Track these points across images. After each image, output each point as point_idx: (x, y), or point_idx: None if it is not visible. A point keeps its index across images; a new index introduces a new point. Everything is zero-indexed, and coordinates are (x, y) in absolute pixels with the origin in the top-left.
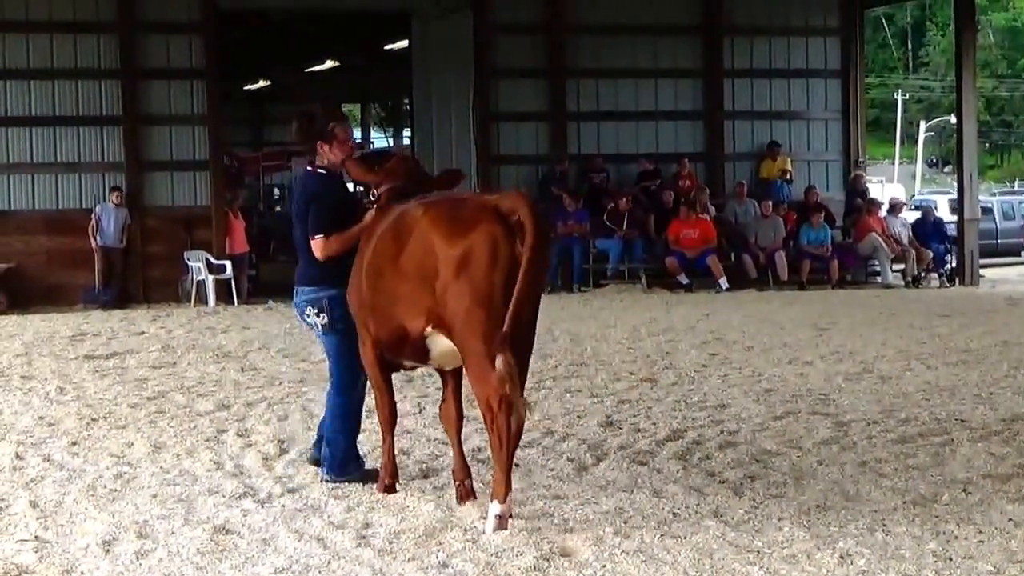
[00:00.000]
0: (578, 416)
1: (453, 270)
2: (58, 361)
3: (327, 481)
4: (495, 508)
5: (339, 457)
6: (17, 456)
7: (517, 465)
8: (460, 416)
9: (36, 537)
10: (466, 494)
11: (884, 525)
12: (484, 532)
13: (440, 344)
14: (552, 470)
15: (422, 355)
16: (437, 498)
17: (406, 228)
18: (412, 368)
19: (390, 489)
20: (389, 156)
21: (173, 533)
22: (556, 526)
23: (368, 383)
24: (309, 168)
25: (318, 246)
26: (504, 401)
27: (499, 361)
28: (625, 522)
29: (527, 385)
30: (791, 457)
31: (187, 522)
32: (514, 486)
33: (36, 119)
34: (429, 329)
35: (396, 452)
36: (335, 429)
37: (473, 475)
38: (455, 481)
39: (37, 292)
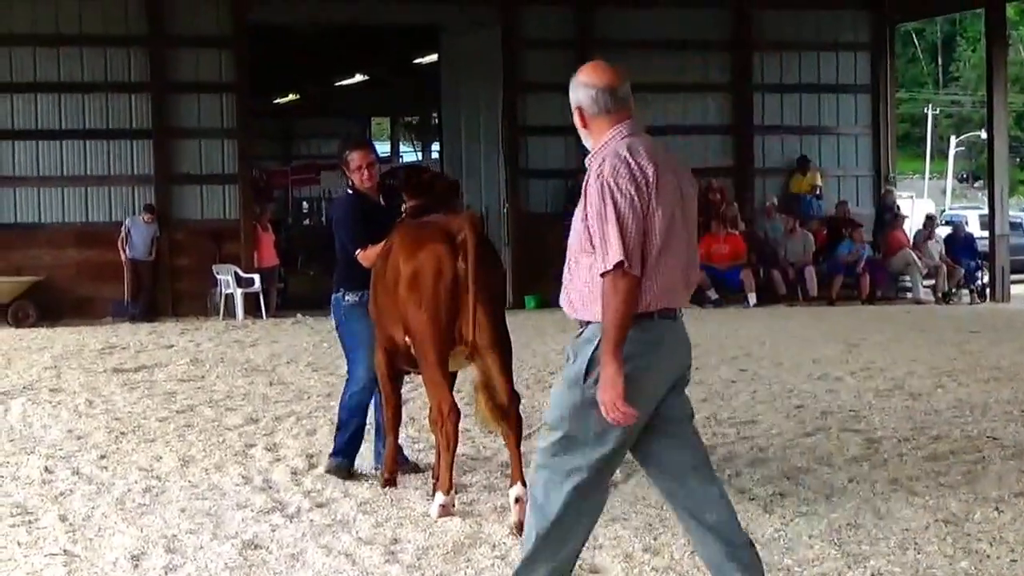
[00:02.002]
0: None
1: (406, 286)
2: (87, 374)
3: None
4: (439, 498)
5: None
6: (46, 469)
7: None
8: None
9: (65, 551)
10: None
11: (916, 543)
12: (429, 515)
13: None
14: None
15: (413, 363)
16: (465, 514)
17: (389, 247)
18: (419, 374)
19: (390, 483)
20: (421, 172)
21: (202, 548)
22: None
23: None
24: (347, 189)
25: (360, 259)
26: (453, 408)
27: (475, 368)
28: (655, 539)
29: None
30: (821, 474)
31: (215, 537)
32: None
33: (66, 132)
34: (408, 340)
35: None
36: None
37: (503, 492)
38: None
39: (66, 305)
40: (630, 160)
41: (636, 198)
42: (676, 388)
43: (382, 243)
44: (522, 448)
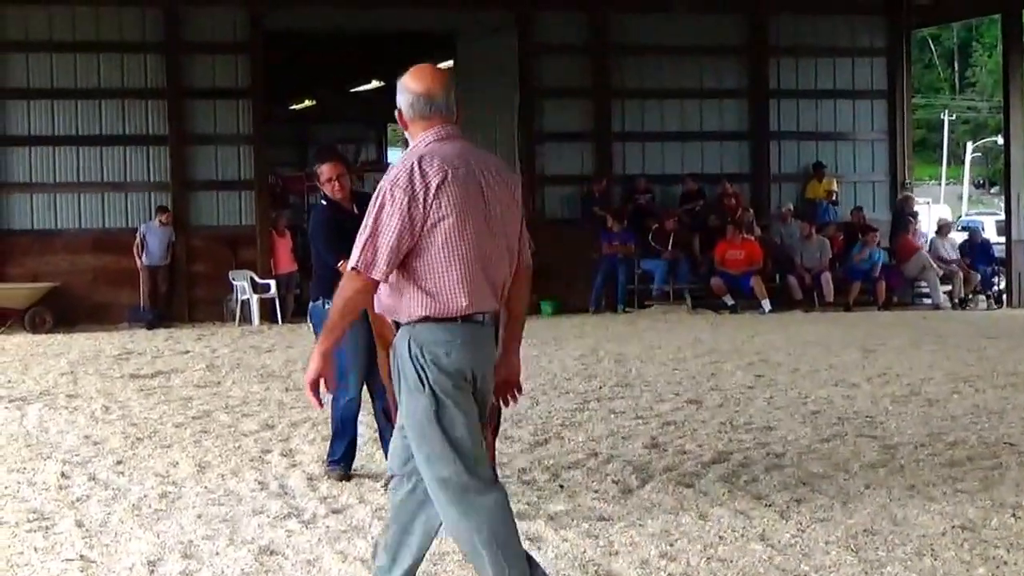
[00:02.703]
0: (623, 437)
1: None
2: (103, 380)
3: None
4: None
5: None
6: (63, 475)
7: (561, 487)
8: None
9: (81, 556)
10: None
11: (932, 550)
12: None
13: None
14: (597, 492)
15: None
16: None
17: None
18: None
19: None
20: None
21: (218, 554)
22: (602, 548)
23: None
24: (320, 199)
25: (342, 268)
26: None
27: None
28: (671, 545)
29: (572, 407)
30: (838, 480)
31: (232, 542)
32: (560, 507)
33: (82, 138)
34: None
35: None
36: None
37: (519, 497)
38: None
39: (83, 311)
40: (416, 169)
41: (407, 209)
42: (479, 398)
43: None
44: (536, 454)
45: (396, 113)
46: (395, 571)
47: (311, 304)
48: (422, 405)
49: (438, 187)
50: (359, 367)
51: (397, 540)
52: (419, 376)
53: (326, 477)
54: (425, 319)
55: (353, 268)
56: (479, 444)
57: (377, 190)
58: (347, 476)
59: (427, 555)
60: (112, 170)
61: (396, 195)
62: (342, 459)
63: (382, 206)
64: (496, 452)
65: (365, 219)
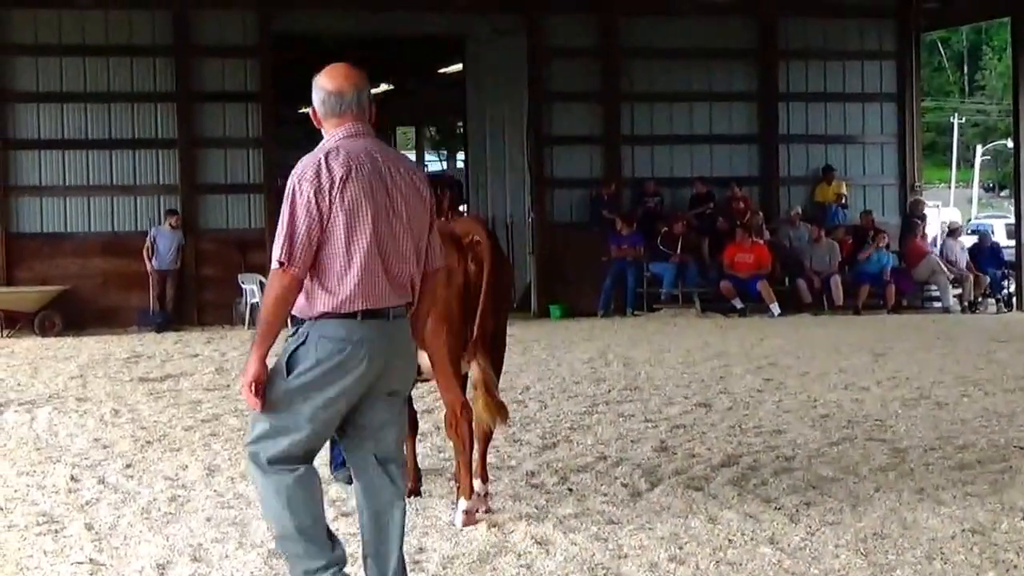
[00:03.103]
0: (632, 441)
1: None
2: (113, 383)
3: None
4: (462, 504)
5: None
6: (72, 478)
7: (570, 490)
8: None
9: (91, 560)
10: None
11: (942, 553)
12: (454, 524)
13: (425, 361)
14: (606, 495)
15: (416, 371)
16: (490, 523)
17: None
18: (424, 380)
19: (413, 492)
20: (439, 181)
21: (227, 557)
22: (611, 551)
23: None
24: None
25: None
26: (466, 408)
27: (473, 366)
28: (680, 548)
29: (581, 410)
30: (847, 484)
31: (241, 546)
32: (568, 511)
33: (92, 142)
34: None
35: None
36: None
37: (528, 501)
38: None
39: (92, 314)
40: (322, 164)
41: (314, 201)
42: (377, 393)
43: None
44: (545, 457)
45: (310, 111)
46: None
47: None
48: (282, 392)
49: (342, 181)
50: None
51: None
52: (293, 366)
53: (334, 480)
54: (325, 315)
55: (276, 265)
56: (320, 440)
57: (287, 186)
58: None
59: (437, 559)
60: (121, 173)
61: (303, 188)
62: (345, 462)
63: (292, 201)
64: (487, 452)
65: (280, 216)
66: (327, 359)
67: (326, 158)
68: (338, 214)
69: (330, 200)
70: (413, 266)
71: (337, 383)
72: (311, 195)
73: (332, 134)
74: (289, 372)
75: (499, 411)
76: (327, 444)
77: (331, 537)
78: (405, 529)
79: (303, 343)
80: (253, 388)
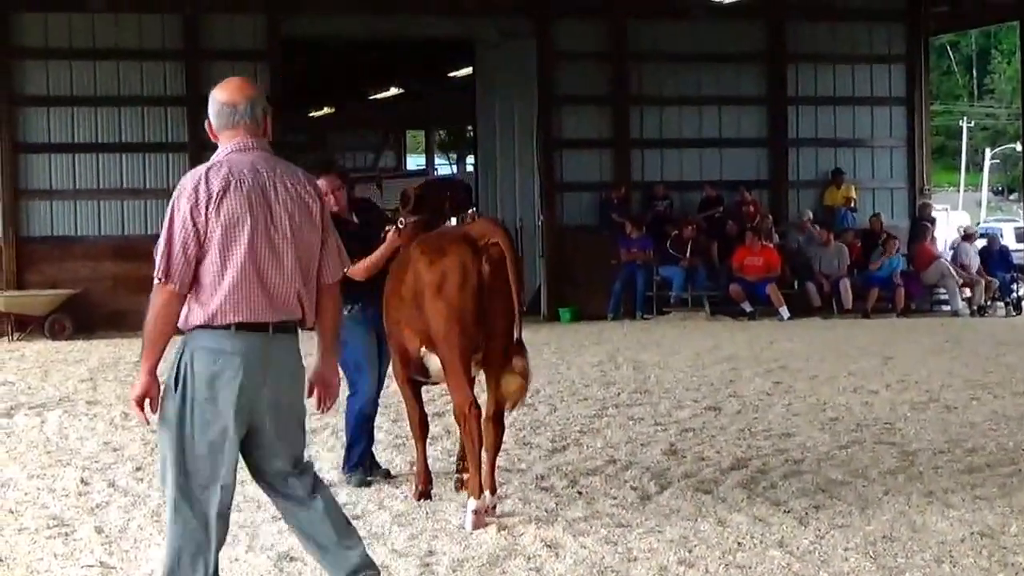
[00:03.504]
0: (641, 444)
1: (432, 292)
2: (123, 386)
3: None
4: (471, 505)
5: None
6: (82, 481)
7: (580, 493)
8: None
9: (101, 563)
10: (461, 486)
11: (951, 556)
12: (464, 527)
13: (434, 363)
14: (615, 498)
15: (425, 373)
16: (500, 526)
17: (407, 260)
18: (435, 383)
19: (424, 495)
20: (448, 184)
21: (237, 560)
22: (620, 554)
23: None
24: None
25: (350, 274)
26: (475, 408)
27: (516, 360)
28: (689, 551)
29: (591, 413)
30: (857, 487)
31: (251, 549)
32: (578, 514)
33: (102, 145)
34: (423, 350)
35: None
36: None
37: (538, 504)
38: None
39: (102, 318)
40: (201, 179)
41: (190, 216)
42: (264, 409)
43: (370, 256)
44: (554, 460)
45: (206, 124)
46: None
47: None
48: (173, 409)
49: (219, 196)
50: (370, 369)
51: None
52: (179, 381)
53: (347, 483)
54: (201, 326)
55: (156, 280)
56: (220, 458)
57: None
58: (367, 482)
59: (447, 562)
60: (132, 177)
61: (181, 204)
62: (359, 463)
63: (171, 217)
64: (496, 461)
65: (162, 231)
66: (204, 371)
67: (207, 172)
68: (215, 228)
69: (206, 215)
70: (299, 282)
71: (220, 396)
72: (187, 211)
73: (223, 147)
74: (176, 386)
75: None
76: (345, 446)
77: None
78: (343, 513)
79: (182, 355)
80: (140, 403)
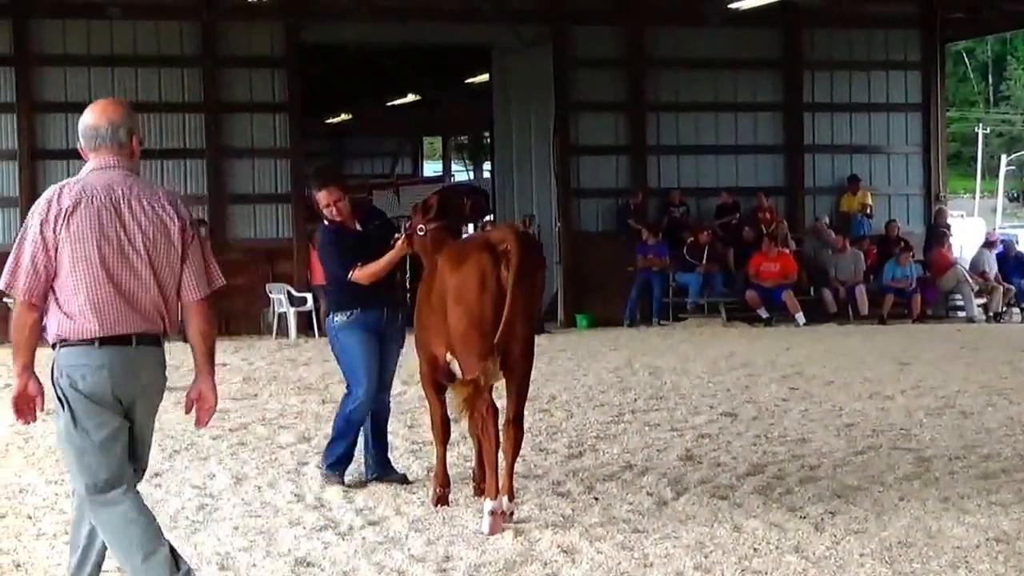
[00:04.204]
0: (658, 450)
1: (453, 297)
2: None
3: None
4: (488, 506)
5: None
6: None
7: (596, 499)
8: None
9: (119, 568)
10: (479, 491)
11: (967, 562)
12: (481, 529)
13: (457, 367)
14: (632, 504)
15: (452, 377)
16: (517, 532)
17: (434, 268)
18: None
19: (442, 499)
20: (466, 191)
21: (255, 565)
22: (636, 560)
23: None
24: (323, 220)
25: (356, 278)
26: (493, 411)
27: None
28: (706, 557)
29: (607, 419)
30: (872, 492)
31: (268, 554)
32: (594, 519)
33: None
34: (449, 356)
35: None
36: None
37: (554, 509)
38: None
39: None
40: (54, 196)
41: (39, 231)
42: (138, 414)
43: (376, 262)
44: (571, 466)
45: (79, 145)
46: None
47: (326, 320)
48: (62, 423)
49: (68, 212)
50: (366, 375)
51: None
52: (58, 398)
53: (322, 481)
54: (64, 341)
55: (3, 290)
56: (116, 460)
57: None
58: (343, 481)
59: (464, 567)
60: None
61: (33, 220)
62: (337, 464)
63: (24, 232)
64: (514, 467)
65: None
66: (77, 386)
67: (61, 190)
68: (64, 244)
69: (55, 230)
70: (157, 295)
71: (95, 405)
72: (38, 226)
73: (86, 167)
74: (61, 404)
75: (467, 407)
76: (328, 440)
77: (176, 559)
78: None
79: (53, 375)
80: (16, 402)
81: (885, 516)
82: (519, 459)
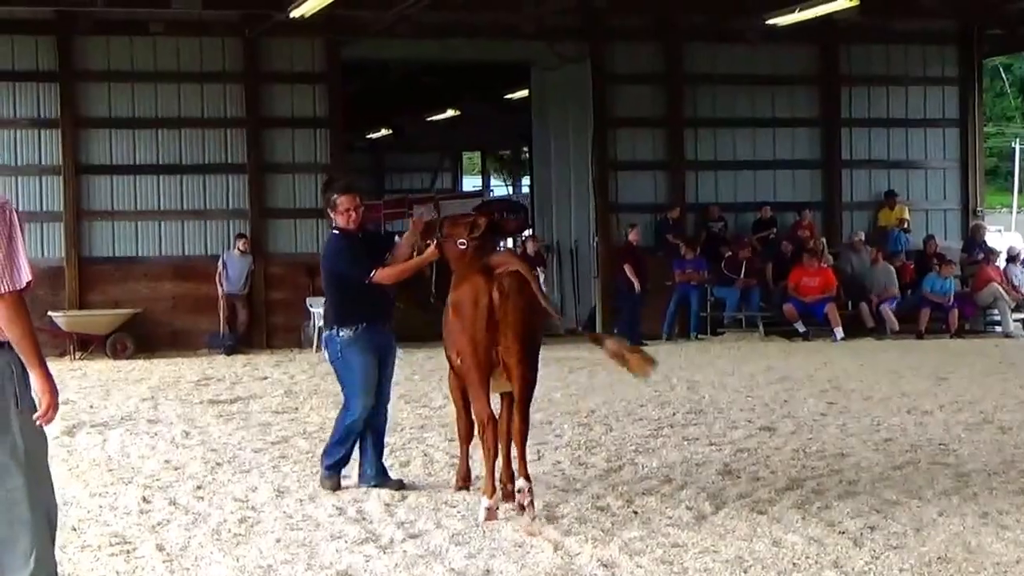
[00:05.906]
0: (696, 464)
1: (454, 313)
2: (183, 405)
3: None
4: (484, 502)
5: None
6: (144, 499)
7: (635, 512)
8: (509, 431)
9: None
10: (508, 496)
11: None
12: (477, 521)
13: None
14: (671, 518)
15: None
16: (556, 546)
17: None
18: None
19: (464, 490)
20: (505, 207)
21: None
22: (676, 574)
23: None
24: (333, 229)
25: (378, 279)
26: (491, 420)
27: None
28: (745, 571)
29: (646, 433)
30: (911, 507)
31: (310, 567)
32: (634, 533)
33: (163, 167)
34: (458, 360)
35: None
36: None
37: (594, 523)
38: (499, 484)
39: (163, 337)
40: None
41: None
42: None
43: (405, 263)
44: (610, 480)
45: None
46: None
47: (326, 332)
48: None
49: None
50: (364, 391)
51: None
52: None
53: (320, 482)
54: None
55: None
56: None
57: None
58: (339, 485)
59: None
60: (192, 198)
61: None
62: (334, 467)
63: None
64: (525, 452)
65: None
66: None
67: None
68: None
69: None
70: None
71: None
72: None
73: None
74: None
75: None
76: (327, 445)
77: None
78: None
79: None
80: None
81: (924, 531)
82: (556, 473)
